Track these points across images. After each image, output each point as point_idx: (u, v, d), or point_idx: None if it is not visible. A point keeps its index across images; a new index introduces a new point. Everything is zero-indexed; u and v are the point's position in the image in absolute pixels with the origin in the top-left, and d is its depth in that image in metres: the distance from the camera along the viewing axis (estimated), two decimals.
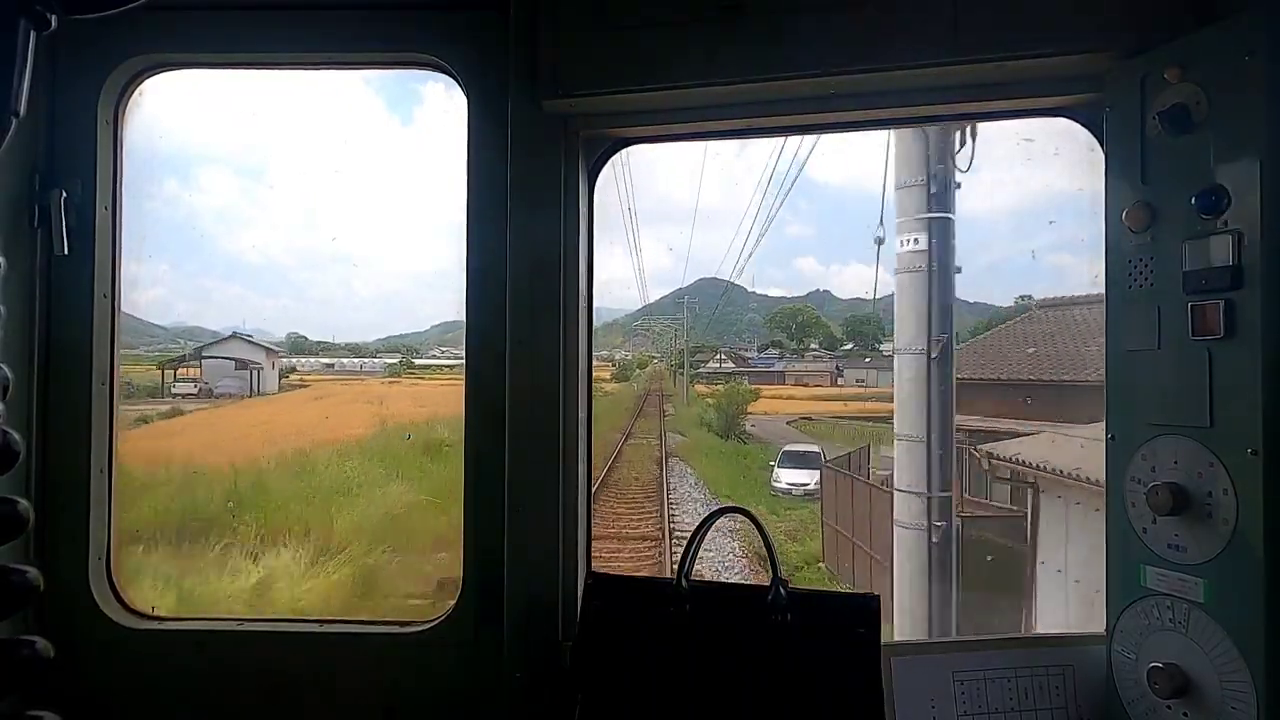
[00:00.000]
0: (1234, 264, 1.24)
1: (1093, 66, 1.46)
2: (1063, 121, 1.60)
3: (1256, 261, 1.21)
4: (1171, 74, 1.32)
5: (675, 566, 1.52)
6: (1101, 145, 1.49)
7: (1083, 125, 1.57)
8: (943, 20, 1.45)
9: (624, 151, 1.80)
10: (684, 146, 1.85)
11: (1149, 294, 1.38)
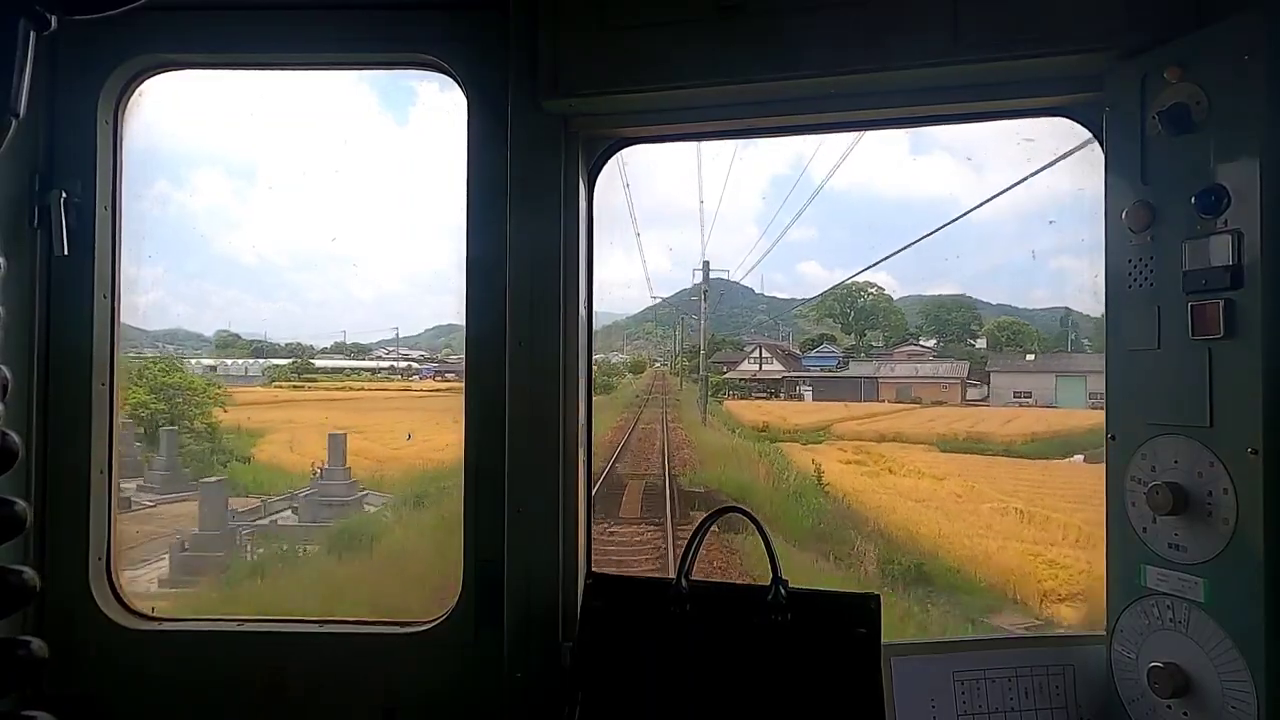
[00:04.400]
0: (1234, 264, 1.24)
1: (1093, 66, 1.46)
2: (1063, 121, 1.60)
3: (1256, 261, 1.21)
4: (1171, 74, 1.32)
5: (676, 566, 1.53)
6: (1101, 145, 1.49)
7: (1083, 125, 1.57)
8: (943, 20, 1.45)
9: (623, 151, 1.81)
10: (687, 147, 1.84)
11: (1149, 294, 1.38)
